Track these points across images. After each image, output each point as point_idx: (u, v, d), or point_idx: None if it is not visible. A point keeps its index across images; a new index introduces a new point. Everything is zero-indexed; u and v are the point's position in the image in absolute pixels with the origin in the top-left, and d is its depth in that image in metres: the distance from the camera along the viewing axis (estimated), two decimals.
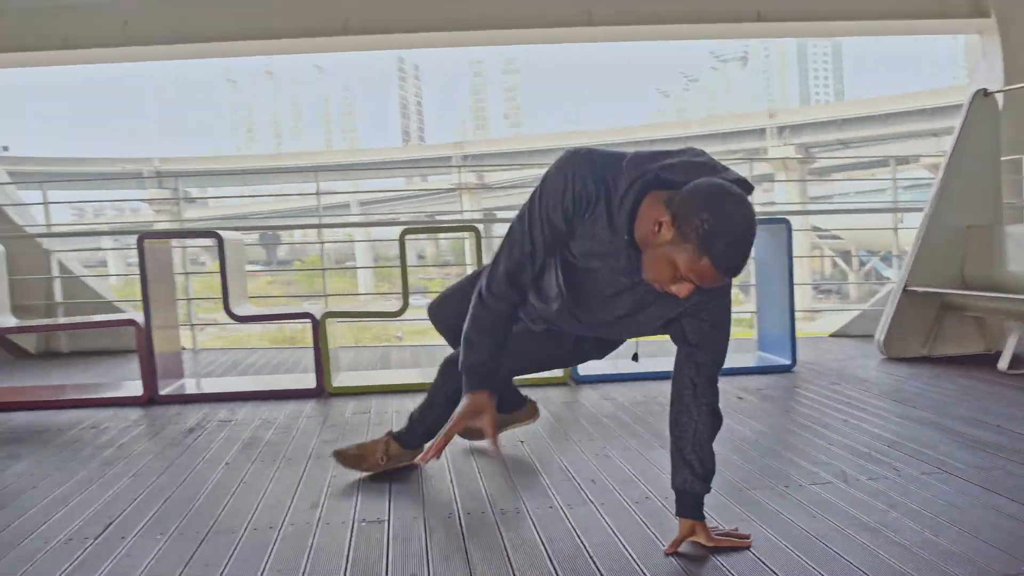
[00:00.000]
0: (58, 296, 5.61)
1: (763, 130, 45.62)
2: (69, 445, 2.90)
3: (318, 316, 3.68)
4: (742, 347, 4.73)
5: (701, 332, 1.63)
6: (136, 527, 1.97)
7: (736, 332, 2.63)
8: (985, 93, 4.45)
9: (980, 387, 3.52)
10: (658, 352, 3.40)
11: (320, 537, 1.88)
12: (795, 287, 4.04)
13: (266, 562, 1.73)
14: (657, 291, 1.50)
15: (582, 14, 6.41)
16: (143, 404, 3.59)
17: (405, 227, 3.83)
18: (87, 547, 1.83)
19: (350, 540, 1.85)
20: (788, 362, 4.00)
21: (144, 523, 1.99)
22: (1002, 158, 5.27)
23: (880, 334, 4.35)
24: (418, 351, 5.26)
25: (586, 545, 1.76)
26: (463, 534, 1.84)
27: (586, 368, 3.76)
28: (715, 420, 1.66)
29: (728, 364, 1.76)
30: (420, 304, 4.05)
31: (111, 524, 2.00)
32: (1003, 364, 3.79)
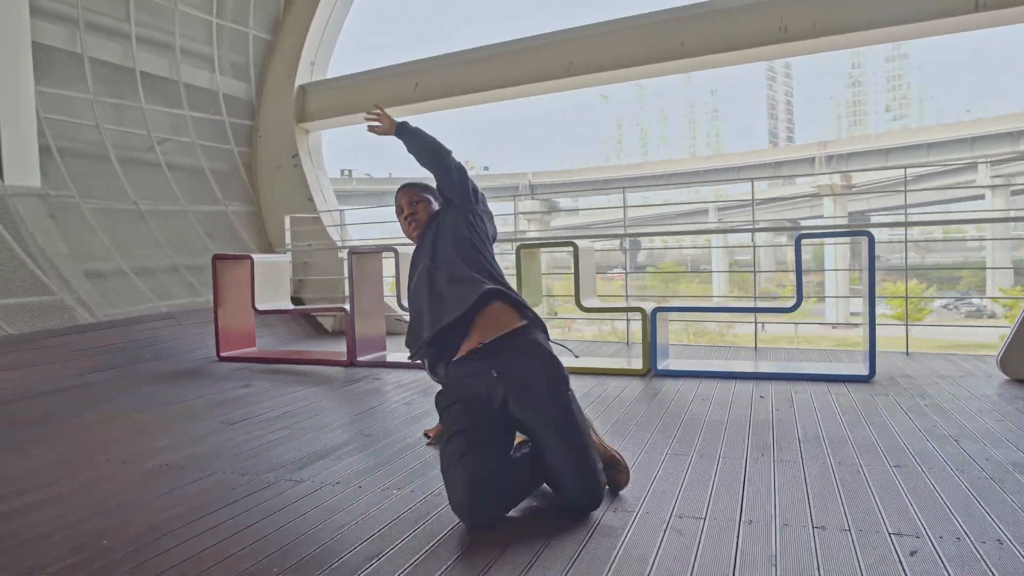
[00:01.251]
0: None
1: None
2: (317, 382, 4.63)
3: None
4: (848, 357, 4.88)
5: None
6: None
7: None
8: None
9: None
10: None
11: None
12: None
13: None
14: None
15: (779, 31, 6.67)
16: (345, 366, 5.18)
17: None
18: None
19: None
20: (865, 373, 4.12)
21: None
22: None
23: (1000, 352, 4.10)
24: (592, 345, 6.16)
25: None
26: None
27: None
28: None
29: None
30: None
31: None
32: None
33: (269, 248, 8.71)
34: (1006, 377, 4.06)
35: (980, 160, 43.36)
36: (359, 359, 5.29)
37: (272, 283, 5.84)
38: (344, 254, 8.02)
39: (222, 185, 8.65)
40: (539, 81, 7.53)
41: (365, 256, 5.46)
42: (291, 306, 6.02)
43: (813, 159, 50.47)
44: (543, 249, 5.30)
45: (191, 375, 4.99)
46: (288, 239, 8.17)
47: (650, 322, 4.50)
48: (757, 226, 6.56)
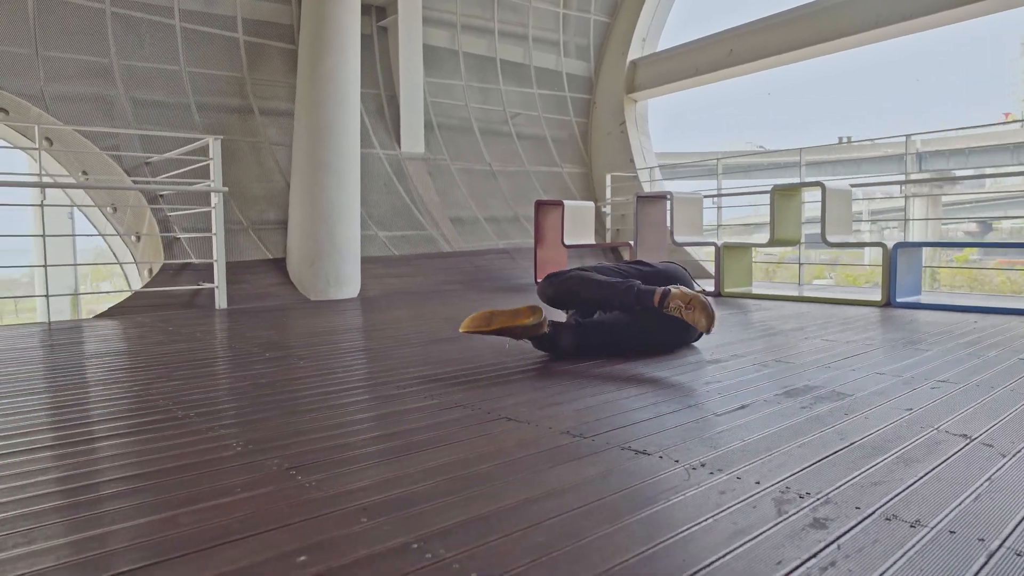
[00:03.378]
0: None
1: None
2: None
3: (719, 244, 5.56)
4: None
5: None
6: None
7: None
8: None
9: None
10: None
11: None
12: None
13: None
14: None
15: None
16: None
17: None
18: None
19: None
20: None
21: None
22: None
23: None
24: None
25: None
26: None
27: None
28: None
29: None
30: None
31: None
32: None
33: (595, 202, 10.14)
34: None
35: None
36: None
37: (579, 225, 7.16)
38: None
39: (560, 150, 10.26)
40: (844, 36, 7.65)
41: (647, 201, 6.46)
42: (592, 241, 7.28)
43: None
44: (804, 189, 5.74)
45: (512, 290, 6.53)
46: (608, 194, 9.47)
47: (891, 255, 4.79)
48: None
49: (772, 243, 5.47)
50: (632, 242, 6.47)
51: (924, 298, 4.99)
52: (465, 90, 9.32)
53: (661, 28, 10.46)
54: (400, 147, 8.35)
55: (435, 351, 3.22)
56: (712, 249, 6.05)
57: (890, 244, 4.84)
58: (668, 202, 6.09)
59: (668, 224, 6.17)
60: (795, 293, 5.64)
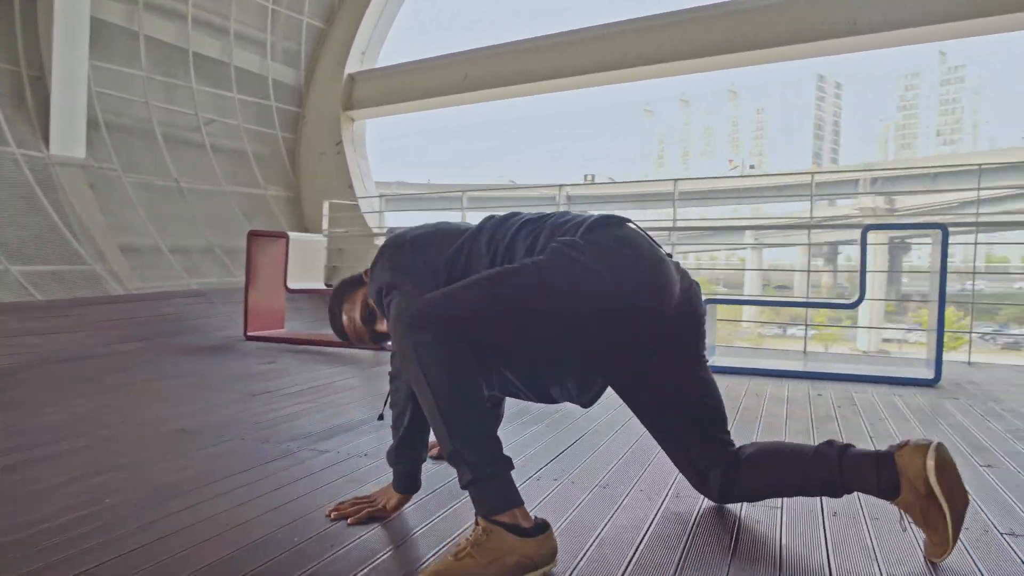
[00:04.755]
0: None
1: None
2: (346, 362, 4.53)
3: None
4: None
5: None
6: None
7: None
8: None
9: None
10: None
11: None
12: None
13: None
14: None
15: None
16: (377, 348, 5.04)
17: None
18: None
19: None
20: (930, 377, 3.88)
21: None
22: None
23: None
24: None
25: None
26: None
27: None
28: None
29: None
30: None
31: None
32: None
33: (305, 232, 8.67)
34: None
35: None
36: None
37: (306, 263, 5.73)
38: (378, 241, 7.91)
39: (264, 169, 8.61)
40: (597, 72, 7.34)
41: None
42: (323, 287, 5.90)
43: (857, 181, 49.54)
44: None
45: (216, 351, 4.88)
46: (325, 224, 8.10)
47: None
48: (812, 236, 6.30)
49: None
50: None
51: (725, 360, 4.56)
52: (146, 83, 7.29)
53: (382, 42, 9.41)
54: (48, 148, 6.10)
55: (161, 548, 1.71)
56: None
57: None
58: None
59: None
60: None
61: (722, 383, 2.89)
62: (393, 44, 9.34)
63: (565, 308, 1.54)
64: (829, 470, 1.59)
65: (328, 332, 5.85)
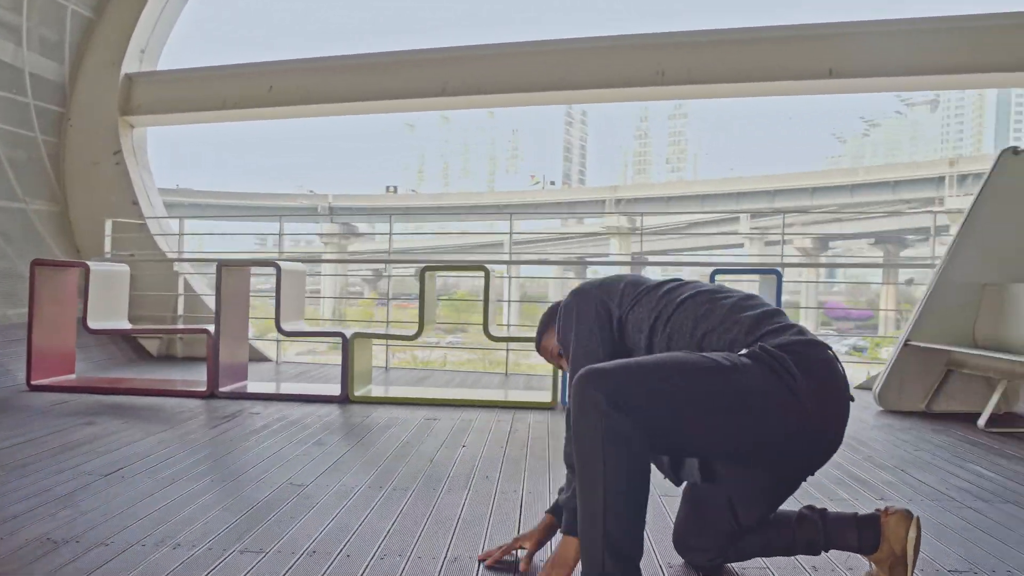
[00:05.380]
0: (180, 310, 6.81)
1: (942, 179, 42.33)
2: (143, 418, 3.91)
3: (348, 336, 4.38)
4: None
5: None
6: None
7: None
8: (1015, 151, 4.41)
9: (940, 439, 3.59)
10: None
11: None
12: None
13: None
14: None
15: (656, 75, 6.87)
16: (204, 397, 4.43)
17: (425, 265, 4.41)
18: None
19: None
20: None
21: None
22: None
23: (877, 386, 4.40)
24: (463, 375, 5.87)
25: None
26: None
27: None
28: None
29: None
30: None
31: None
32: (981, 422, 3.78)
33: (77, 256, 7.45)
34: (881, 408, 4.38)
35: (743, 212, 49.22)
36: (221, 390, 4.56)
37: (109, 298, 4.92)
38: (178, 267, 7.11)
39: (21, 177, 7.29)
40: (412, 97, 7.18)
41: (233, 270, 4.76)
42: (129, 325, 5.11)
43: (604, 201, 53.99)
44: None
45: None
46: (108, 247, 7.02)
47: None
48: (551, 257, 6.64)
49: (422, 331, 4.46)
50: (213, 328, 4.64)
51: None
52: None
53: (164, 42, 8.42)
54: None
55: None
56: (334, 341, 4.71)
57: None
58: (275, 275, 4.53)
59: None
60: (437, 394, 4.72)
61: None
62: (187, 45, 8.43)
63: (754, 426, 1.53)
64: (814, 532, 1.78)
65: (127, 376, 5.16)
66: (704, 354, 1.56)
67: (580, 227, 63.08)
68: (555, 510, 1.92)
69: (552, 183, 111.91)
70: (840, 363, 1.61)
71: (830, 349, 1.61)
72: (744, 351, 1.56)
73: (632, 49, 6.78)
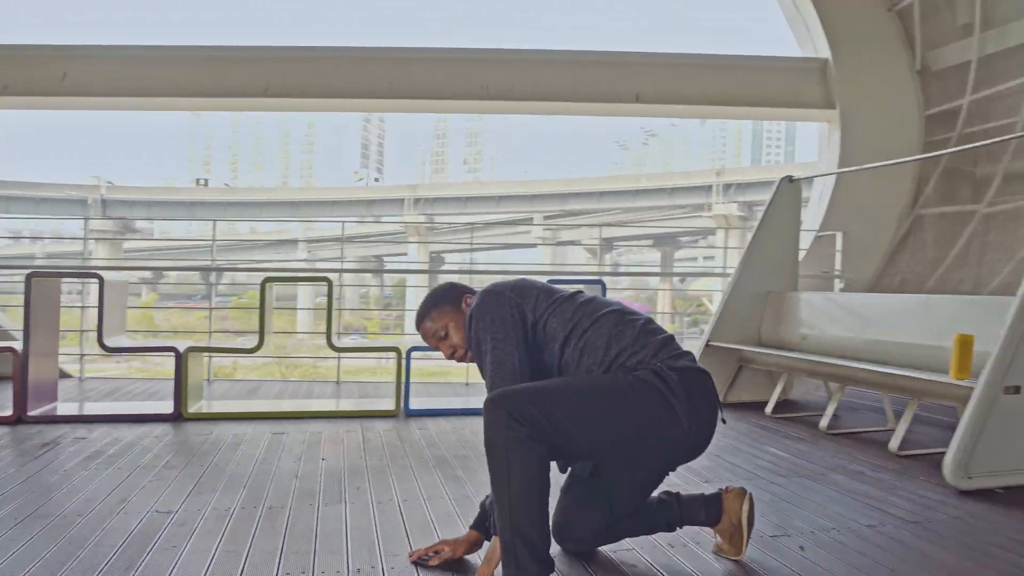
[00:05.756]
0: None
1: (710, 187, 46.93)
2: None
3: (181, 350, 4.20)
4: None
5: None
6: None
7: None
8: (790, 179, 5.20)
9: (740, 426, 4.20)
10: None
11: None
12: None
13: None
14: None
15: (481, 89, 7.16)
16: (11, 423, 4.06)
17: (266, 276, 4.38)
18: None
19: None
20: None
21: None
22: (820, 234, 6.06)
23: None
24: (295, 385, 5.80)
25: None
26: None
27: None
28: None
29: None
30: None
31: None
32: (768, 409, 4.49)
33: None
34: None
35: (537, 213, 51.70)
36: (30, 414, 4.16)
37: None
38: None
39: None
40: (232, 96, 6.91)
41: (44, 281, 4.35)
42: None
43: (403, 200, 54.04)
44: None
45: None
46: None
47: (406, 359, 4.46)
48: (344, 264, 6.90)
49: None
50: (19, 346, 4.19)
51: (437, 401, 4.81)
52: None
53: None
54: None
55: None
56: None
57: (404, 348, 4.49)
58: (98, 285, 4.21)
59: None
60: (278, 407, 4.64)
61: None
62: None
63: (638, 440, 1.87)
64: (672, 513, 2.15)
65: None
66: (606, 376, 1.87)
67: (380, 226, 62.55)
68: (477, 525, 2.12)
69: (376, 180, 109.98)
70: (715, 389, 1.97)
71: (711, 378, 1.96)
72: (647, 370, 1.86)
73: (460, 63, 7.03)
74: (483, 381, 1.94)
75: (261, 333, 4.36)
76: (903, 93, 7.11)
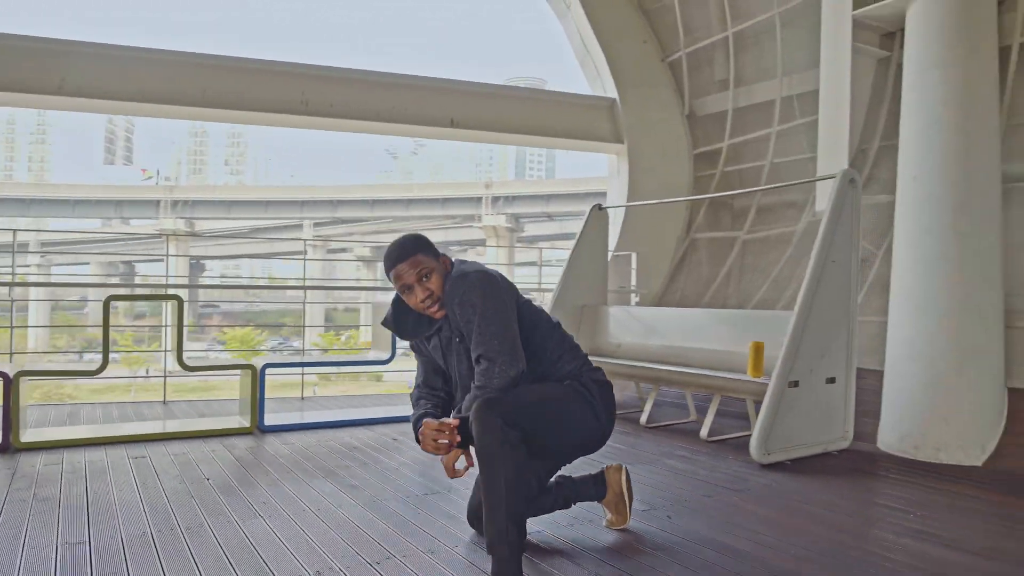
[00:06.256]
0: None
1: (480, 199, 48.80)
2: None
3: (11, 375, 3.90)
4: None
5: (467, 330, 2.26)
6: None
7: None
8: (599, 207, 5.96)
9: None
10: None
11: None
12: None
13: None
14: (450, 336, 2.35)
15: (300, 104, 7.22)
16: None
17: (110, 295, 4.23)
18: None
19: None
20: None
21: None
22: (617, 253, 6.95)
23: None
24: (109, 407, 5.51)
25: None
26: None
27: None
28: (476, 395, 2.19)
29: None
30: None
31: None
32: None
33: None
34: None
35: (307, 219, 50.52)
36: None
37: None
38: None
39: None
40: (23, 92, 6.31)
41: None
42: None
43: (159, 202, 49.99)
44: None
45: None
46: None
47: (260, 376, 4.53)
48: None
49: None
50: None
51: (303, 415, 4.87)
52: None
53: None
54: None
55: None
56: None
57: (259, 364, 4.54)
58: None
59: None
60: (115, 431, 4.43)
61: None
62: None
63: (580, 434, 2.41)
64: (568, 491, 2.67)
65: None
66: (567, 385, 2.36)
67: (129, 228, 57.04)
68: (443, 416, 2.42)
69: (167, 179, 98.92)
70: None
71: (612, 386, 2.50)
72: (582, 381, 2.36)
73: (278, 76, 7.02)
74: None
75: (105, 354, 4.19)
76: (676, 133, 8.32)
